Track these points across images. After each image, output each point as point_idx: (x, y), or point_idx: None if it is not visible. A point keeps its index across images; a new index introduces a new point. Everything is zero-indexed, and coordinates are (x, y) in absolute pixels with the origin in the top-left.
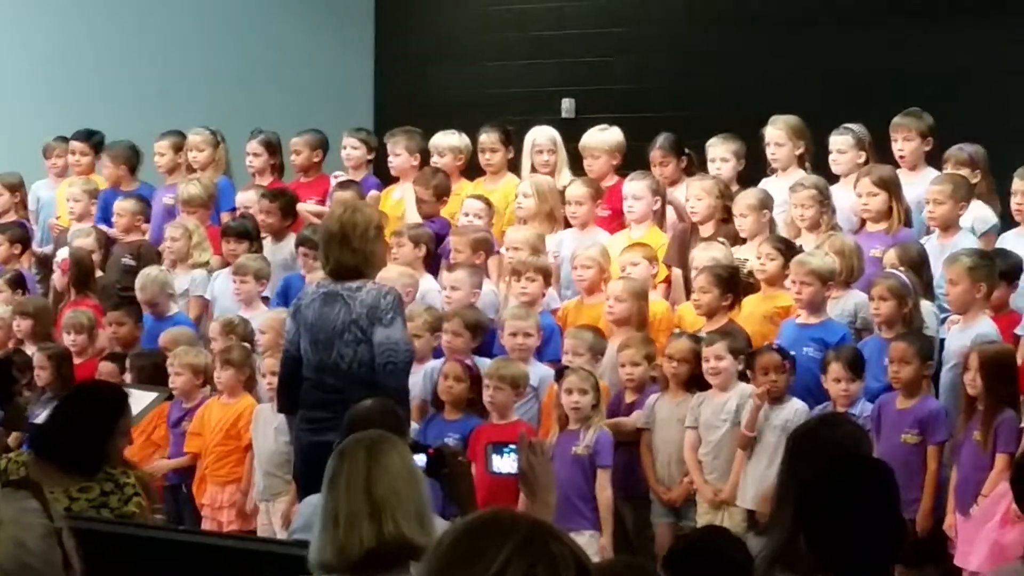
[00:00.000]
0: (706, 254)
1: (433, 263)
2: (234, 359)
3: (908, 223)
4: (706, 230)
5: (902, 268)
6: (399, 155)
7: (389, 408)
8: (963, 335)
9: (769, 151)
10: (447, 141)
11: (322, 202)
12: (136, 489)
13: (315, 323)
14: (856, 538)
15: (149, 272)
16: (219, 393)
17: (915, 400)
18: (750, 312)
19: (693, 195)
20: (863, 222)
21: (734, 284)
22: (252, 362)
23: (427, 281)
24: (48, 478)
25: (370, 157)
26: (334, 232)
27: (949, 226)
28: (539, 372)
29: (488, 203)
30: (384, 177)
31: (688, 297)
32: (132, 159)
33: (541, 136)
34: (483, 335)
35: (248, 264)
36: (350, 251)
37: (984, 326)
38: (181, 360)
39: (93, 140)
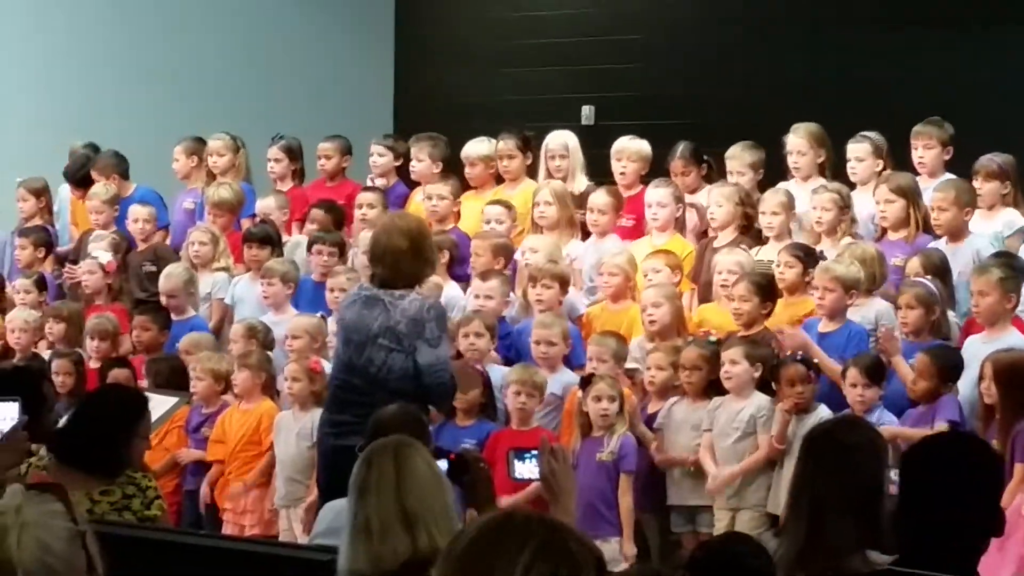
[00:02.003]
0: (730, 259)
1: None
2: (251, 363)
3: (927, 230)
4: (724, 236)
5: (927, 276)
6: (422, 161)
7: (413, 414)
8: (988, 347)
9: (791, 159)
10: (478, 150)
11: (348, 208)
12: (158, 492)
13: (351, 324)
14: (957, 512)
15: (177, 267)
16: (238, 399)
17: (934, 403)
18: (774, 320)
19: (713, 201)
20: (884, 230)
21: (772, 292)
22: (271, 368)
23: (451, 288)
24: (70, 481)
25: (397, 163)
26: (404, 248)
27: (955, 232)
28: (565, 379)
29: (509, 207)
30: (405, 182)
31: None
32: (120, 166)
33: (553, 141)
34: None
35: (275, 267)
36: (422, 262)
37: (1013, 338)
38: (203, 365)
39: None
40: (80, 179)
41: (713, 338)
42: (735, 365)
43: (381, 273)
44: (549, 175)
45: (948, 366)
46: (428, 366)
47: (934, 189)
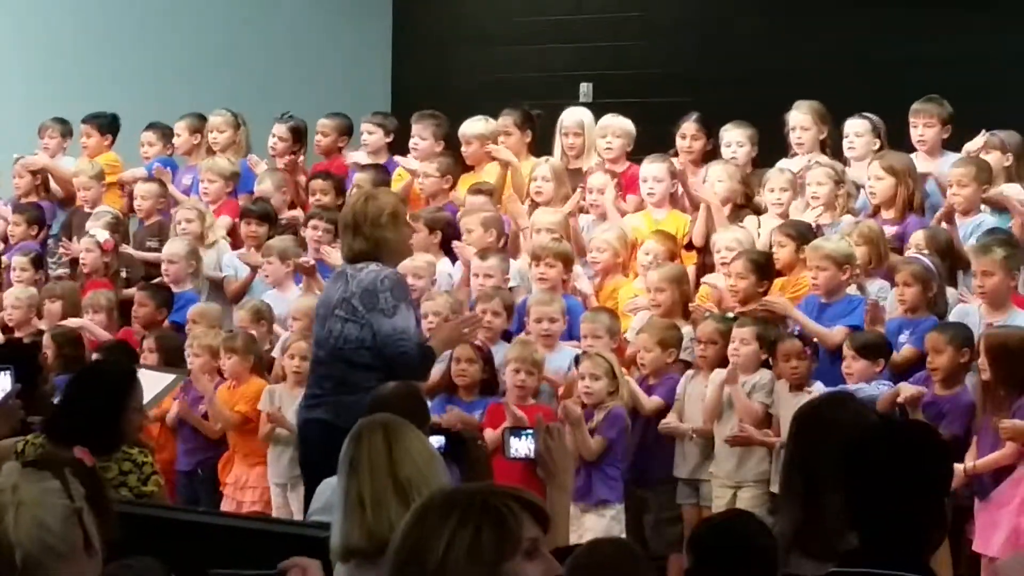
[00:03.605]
0: (729, 235)
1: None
2: (237, 346)
3: (920, 211)
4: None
5: (926, 252)
6: (425, 139)
7: (412, 391)
8: (1002, 323)
9: (794, 135)
10: (473, 129)
11: (342, 184)
12: (155, 468)
13: (321, 299)
14: (896, 507)
15: (179, 239)
16: (230, 380)
17: (953, 391)
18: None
19: (715, 178)
20: (876, 208)
21: (770, 270)
22: (257, 348)
23: (443, 264)
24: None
25: (388, 140)
26: (347, 221)
27: (969, 209)
28: (565, 355)
29: (490, 192)
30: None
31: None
32: (169, 138)
33: (568, 119)
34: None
35: (273, 245)
36: (362, 239)
37: (1017, 317)
38: (200, 342)
39: (97, 121)
40: (103, 126)
41: (731, 315)
42: (746, 345)
43: (340, 247)
44: (563, 152)
45: (958, 334)
46: (386, 336)
47: (954, 164)
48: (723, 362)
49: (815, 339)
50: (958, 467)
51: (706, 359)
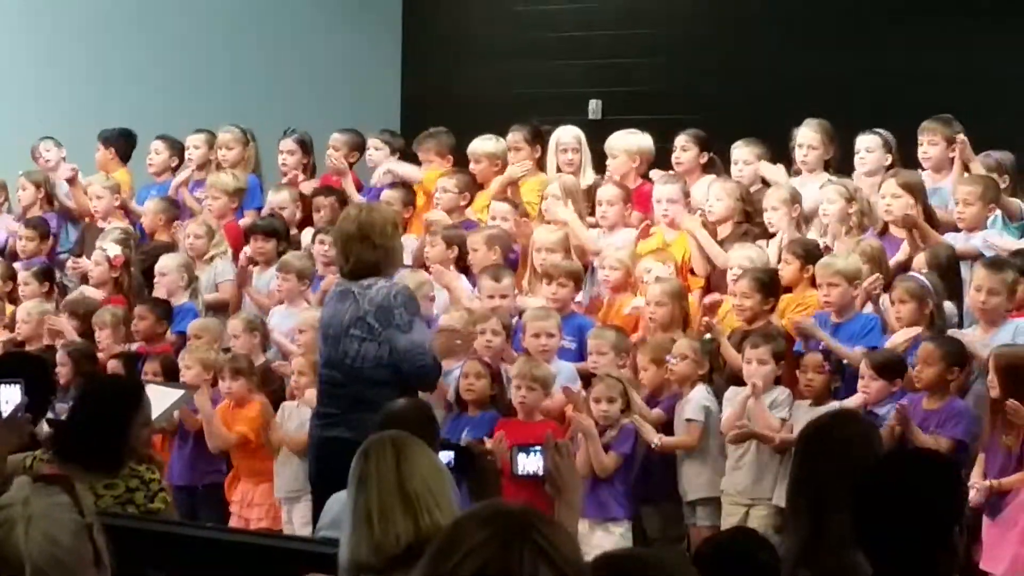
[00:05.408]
0: (741, 253)
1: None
2: (243, 367)
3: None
4: (722, 231)
5: (925, 271)
6: (431, 162)
7: (423, 408)
8: (996, 338)
9: (801, 152)
10: (483, 147)
11: (345, 199)
12: (162, 485)
13: (328, 319)
14: (907, 537)
15: (174, 255)
16: (229, 400)
17: (942, 402)
18: (776, 315)
19: (714, 195)
20: (886, 226)
21: (775, 288)
22: (258, 361)
23: (461, 281)
24: (73, 474)
25: (393, 158)
26: (352, 232)
27: (974, 227)
28: (562, 370)
29: (515, 204)
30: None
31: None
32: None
33: (566, 135)
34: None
35: (292, 263)
36: (371, 248)
37: (1008, 328)
38: (193, 355)
39: (102, 136)
40: (108, 139)
41: (708, 336)
42: (764, 365)
43: (337, 260)
44: (558, 169)
45: (952, 351)
46: (404, 352)
47: (960, 182)
48: (701, 379)
49: (841, 359)
50: (983, 484)
51: (676, 374)
